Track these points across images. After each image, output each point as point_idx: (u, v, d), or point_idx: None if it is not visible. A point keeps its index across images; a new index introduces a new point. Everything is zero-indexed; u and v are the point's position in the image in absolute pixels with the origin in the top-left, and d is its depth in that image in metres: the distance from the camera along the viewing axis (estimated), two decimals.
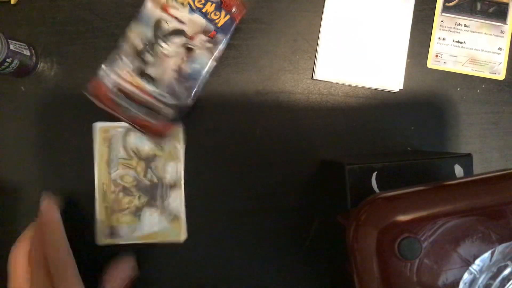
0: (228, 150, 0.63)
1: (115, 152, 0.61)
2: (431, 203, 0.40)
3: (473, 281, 0.39)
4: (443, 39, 0.65)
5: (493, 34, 0.65)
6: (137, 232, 0.62)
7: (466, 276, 0.39)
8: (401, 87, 0.65)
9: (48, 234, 0.49)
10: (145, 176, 0.62)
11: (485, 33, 0.65)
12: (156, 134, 0.59)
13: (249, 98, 0.63)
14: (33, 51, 0.60)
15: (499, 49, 0.66)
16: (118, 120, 0.59)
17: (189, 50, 0.59)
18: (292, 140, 0.64)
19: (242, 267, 0.63)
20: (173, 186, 0.62)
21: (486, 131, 0.66)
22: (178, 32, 0.59)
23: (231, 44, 0.62)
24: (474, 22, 0.65)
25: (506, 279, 0.38)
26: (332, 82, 0.64)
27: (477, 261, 0.39)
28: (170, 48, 0.58)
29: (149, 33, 0.58)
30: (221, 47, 0.59)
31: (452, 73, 0.65)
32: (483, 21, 0.65)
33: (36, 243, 0.49)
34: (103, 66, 0.58)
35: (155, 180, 0.62)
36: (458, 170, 0.53)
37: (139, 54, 0.58)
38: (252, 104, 0.63)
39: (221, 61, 0.61)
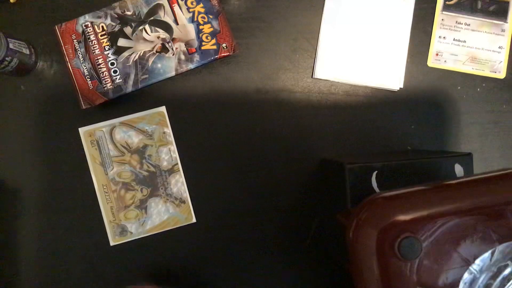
0: (228, 149, 0.63)
1: (106, 151, 0.61)
2: (431, 202, 0.40)
3: (473, 281, 0.39)
4: (444, 37, 0.65)
5: (494, 33, 0.65)
6: (147, 224, 0.62)
7: (466, 276, 0.39)
8: (402, 86, 0.64)
9: None
10: (141, 168, 0.62)
11: (485, 32, 0.65)
12: (86, 98, 0.58)
13: (249, 96, 0.63)
14: (32, 49, 0.60)
15: (499, 47, 0.65)
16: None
17: (163, 48, 0.59)
18: (292, 139, 0.64)
19: (242, 267, 0.63)
20: (171, 170, 0.62)
21: (486, 130, 0.65)
22: (167, 27, 0.59)
23: None
24: (474, 21, 0.65)
25: (506, 279, 0.38)
26: (332, 81, 0.64)
27: (477, 261, 0.39)
28: (151, 34, 0.58)
29: (144, 9, 0.59)
30: (190, 66, 0.59)
31: (453, 72, 0.65)
32: (484, 19, 0.65)
33: None
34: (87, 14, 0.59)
35: (152, 169, 0.62)
36: (459, 169, 0.53)
37: (122, 20, 0.58)
38: (252, 102, 0.63)
39: (221, 59, 0.61)
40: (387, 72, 0.64)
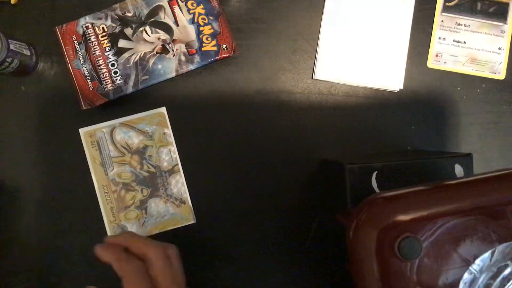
0: (228, 149, 0.63)
1: (106, 152, 0.61)
2: (431, 203, 0.40)
3: (473, 281, 0.39)
4: (443, 38, 0.65)
5: (493, 34, 0.65)
6: (147, 225, 0.62)
7: (466, 276, 0.39)
8: (401, 87, 0.65)
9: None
10: (141, 168, 0.62)
11: (485, 33, 0.65)
12: (86, 99, 0.58)
13: (249, 98, 0.63)
14: (33, 50, 0.60)
15: (499, 48, 0.65)
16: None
17: (164, 49, 0.59)
18: (292, 140, 0.64)
19: (242, 267, 0.63)
20: (171, 171, 0.62)
21: (486, 131, 0.66)
22: (167, 28, 0.59)
23: None
24: (474, 22, 0.65)
25: (506, 279, 0.38)
26: (332, 82, 0.64)
27: (477, 261, 0.39)
28: (151, 36, 0.59)
29: (144, 11, 0.59)
30: (191, 67, 0.59)
31: (452, 73, 0.65)
32: (483, 20, 0.65)
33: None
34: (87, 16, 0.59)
35: (153, 169, 0.62)
36: (458, 169, 0.53)
37: (123, 21, 0.59)
38: (252, 103, 0.63)
39: (222, 60, 0.61)
40: (387, 73, 0.64)
